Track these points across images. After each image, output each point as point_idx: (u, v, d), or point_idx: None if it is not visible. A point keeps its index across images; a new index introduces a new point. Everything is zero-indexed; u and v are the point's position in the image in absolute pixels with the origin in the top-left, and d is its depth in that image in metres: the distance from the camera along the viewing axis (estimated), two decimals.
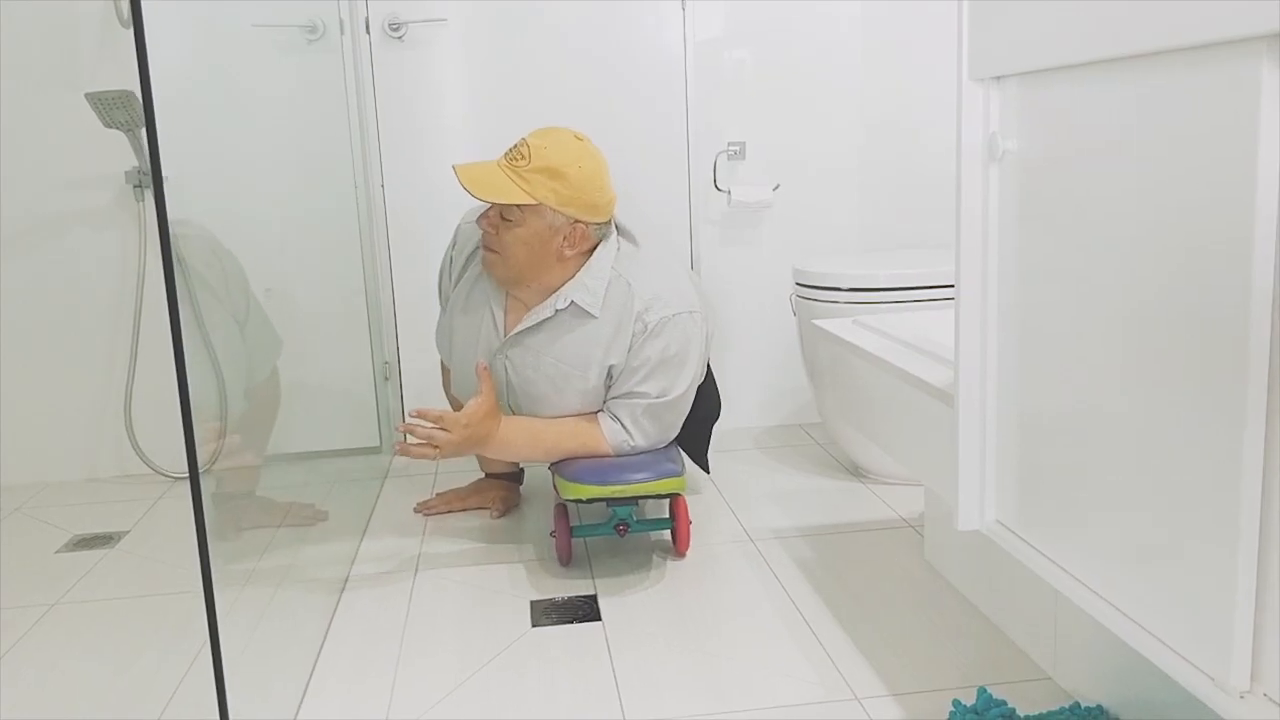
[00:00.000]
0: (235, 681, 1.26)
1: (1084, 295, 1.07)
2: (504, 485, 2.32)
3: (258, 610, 1.65)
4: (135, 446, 2.56)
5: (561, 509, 1.97)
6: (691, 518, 2.05)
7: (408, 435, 1.82)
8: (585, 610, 1.77)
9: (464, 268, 2.03)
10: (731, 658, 1.60)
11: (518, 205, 1.82)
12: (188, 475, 1.18)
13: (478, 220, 1.91)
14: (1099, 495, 1.08)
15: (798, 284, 2.37)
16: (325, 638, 1.72)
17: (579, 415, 1.93)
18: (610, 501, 1.88)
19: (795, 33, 2.66)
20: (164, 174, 1.12)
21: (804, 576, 1.87)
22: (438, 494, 2.35)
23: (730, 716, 1.43)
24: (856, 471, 2.42)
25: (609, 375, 1.90)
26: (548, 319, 1.90)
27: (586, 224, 1.86)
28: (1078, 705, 1.38)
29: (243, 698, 1.29)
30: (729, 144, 2.69)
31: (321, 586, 1.88)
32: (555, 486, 1.95)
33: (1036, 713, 1.37)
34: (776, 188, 2.68)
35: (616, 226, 1.96)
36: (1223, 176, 0.85)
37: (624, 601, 1.79)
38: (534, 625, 1.73)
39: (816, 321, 2.03)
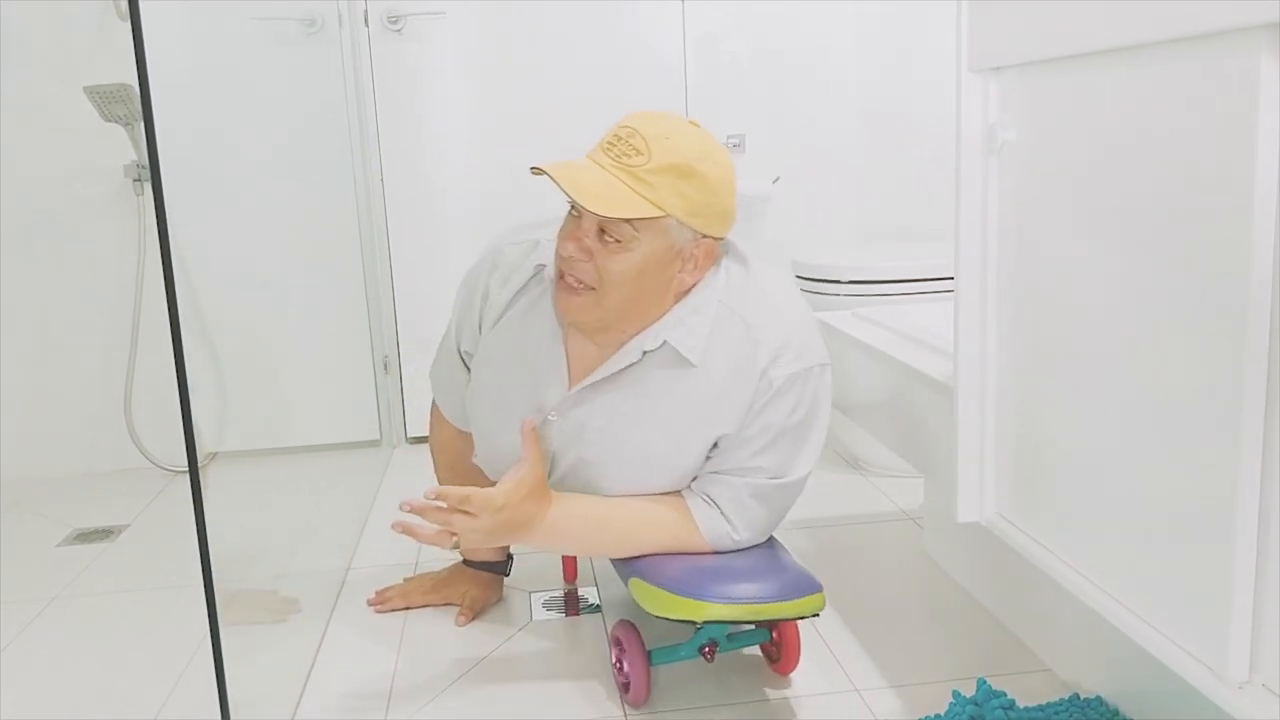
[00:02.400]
0: (235, 674, 1.26)
1: (1083, 286, 1.07)
2: (480, 581, 1.78)
3: (258, 603, 1.66)
4: (135, 440, 2.56)
5: (631, 630, 1.48)
6: None
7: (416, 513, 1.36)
8: (585, 602, 1.77)
9: (509, 304, 1.51)
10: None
11: (629, 220, 1.32)
12: (187, 469, 1.18)
13: (562, 243, 1.37)
14: (1098, 487, 1.08)
15: (797, 276, 2.37)
16: (326, 629, 1.72)
17: (659, 497, 1.46)
18: (683, 622, 1.38)
19: (793, 25, 2.66)
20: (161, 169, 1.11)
21: None
22: (405, 579, 1.85)
23: (730, 708, 1.44)
24: (855, 464, 2.42)
25: (714, 447, 1.43)
26: (631, 366, 1.41)
27: (714, 240, 1.40)
28: (1077, 696, 1.38)
29: (243, 691, 1.29)
30: (728, 137, 2.69)
31: (322, 579, 1.89)
32: (634, 596, 1.44)
33: (1036, 704, 1.37)
34: (776, 180, 2.68)
35: None
36: (1222, 165, 0.85)
37: (623, 593, 1.79)
38: (534, 617, 1.73)
39: (816, 314, 2.03)
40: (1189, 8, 0.85)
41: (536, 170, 1.31)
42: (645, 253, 1.34)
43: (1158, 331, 0.95)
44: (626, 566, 1.45)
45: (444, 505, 1.34)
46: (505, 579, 1.81)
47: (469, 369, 1.59)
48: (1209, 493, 0.90)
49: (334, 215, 2.58)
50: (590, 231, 1.34)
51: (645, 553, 1.43)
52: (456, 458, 1.71)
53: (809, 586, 1.38)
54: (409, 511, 1.33)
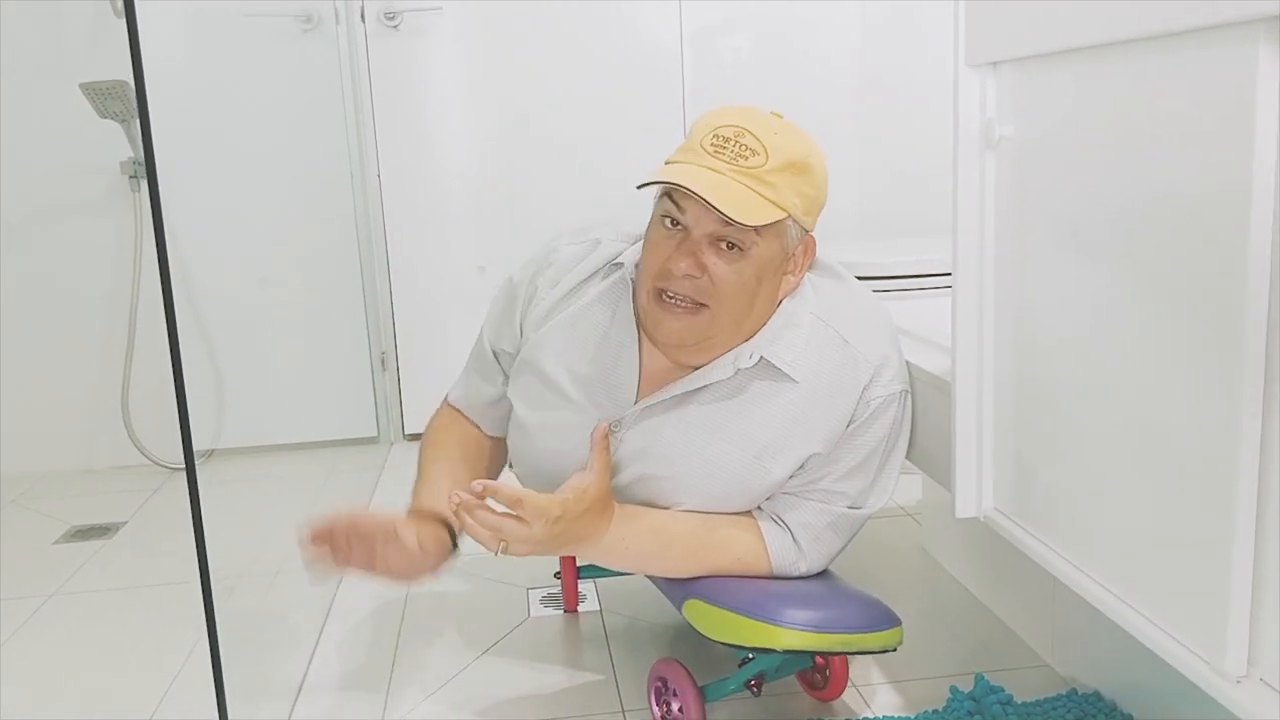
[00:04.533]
0: (232, 670, 1.26)
1: (1080, 282, 1.07)
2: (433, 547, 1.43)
3: (255, 600, 1.66)
4: (132, 437, 2.56)
5: (677, 667, 1.36)
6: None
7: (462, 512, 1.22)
8: (582, 597, 1.77)
9: (562, 301, 1.39)
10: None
11: (754, 226, 1.21)
12: (184, 466, 1.18)
13: (672, 262, 1.23)
14: (1096, 481, 1.07)
15: None
16: (323, 625, 1.72)
17: (726, 515, 1.35)
18: (755, 650, 1.28)
19: (792, 20, 2.66)
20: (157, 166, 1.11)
21: None
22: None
23: (728, 703, 1.43)
24: None
25: (800, 467, 1.33)
26: (720, 382, 1.31)
27: (811, 236, 1.32)
28: (1074, 692, 1.38)
29: (240, 687, 1.29)
30: None
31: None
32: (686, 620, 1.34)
33: (1034, 699, 1.37)
34: None
35: None
36: (1219, 160, 0.85)
37: (621, 588, 1.79)
38: (531, 613, 1.73)
39: None
40: (1187, 1, 0.85)
41: (670, 186, 1.21)
42: (763, 258, 1.24)
43: (1156, 325, 0.95)
44: (680, 588, 1.35)
45: (496, 508, 1.21)
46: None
47: (503, 370, 1.47)
48: (1207, 487, 0.89)
49: (331, 211, 2.58)
50: (703, 243, 1.23)
51: (705, 575, 1.33)
52: (449, 451, 1.49)
53: (891, 618, 1.30)
54: (456, 505, 1.20)
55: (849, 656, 1.41)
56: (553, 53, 2.61)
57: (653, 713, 1.39)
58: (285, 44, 2.41)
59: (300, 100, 2.44)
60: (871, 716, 1.37)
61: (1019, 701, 1.36)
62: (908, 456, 1.55)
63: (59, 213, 2.53)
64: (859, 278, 2.19)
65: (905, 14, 2.67)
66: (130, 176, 2.50)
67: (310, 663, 1.60)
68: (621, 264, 1.36)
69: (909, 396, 1.36)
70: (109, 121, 2.39)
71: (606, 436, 1.29)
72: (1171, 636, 0.96)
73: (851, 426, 1.30)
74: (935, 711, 1.36)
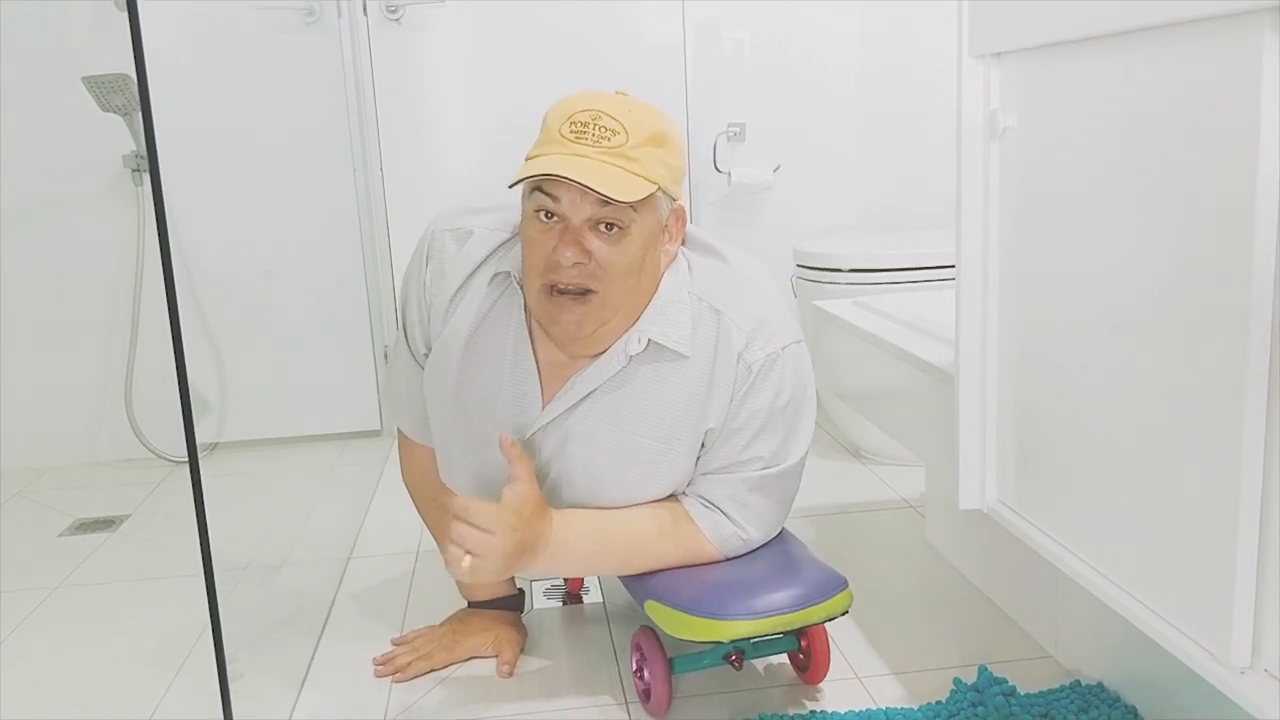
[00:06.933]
0: (236, 664, 1.26)
1: (1085, 272, 1.07)
2: (504, 619, 1.59)
3: (259, 593, 1.66)
4: (136, 430, 2.56)
5: (652, 637, 1.40)
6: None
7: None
8: (586, 590, 1.77)
9: (453, 299, 1.39)
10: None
11: (631, 202, 1.22)
12: (187, 459, 1.18)
13: (558, 252, 1.24)
14: (1099, 473, 1.07)
15: (798, 265, 2.37)
16: (327, 618, 1.72)
17: (658, 505, 1.38)
18: (709, 643, 1.33)
19: (795, 12, 2.65)
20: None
21: None
22: (411, 635, 1.60)
23: (731, 693, 1.44)
24: (857, 453, 2.42)
25: (703, 444, 1.37)
26: (617, 374, 1.33)
27: (680, 205, 1.34)
28: (1078, 683, 1.38)
29: (244, 678, 1.29)
30: (729, 125, 2.68)
31: (323, 568, 1.89)
32: (650, 618, 1.37)
33: (1037, 691, 1.37)
34: (777, 169, 2.67)
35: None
36: (1225, 150, 0.84)
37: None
38: (534, 605, 1.73)
39: (817, 302, 2.03)
40: None
41: (540, 178, 1.22)
42: (642, 232, 1.26)
43: (1160, 316, 0.95)
44: (640, 587, 1.37)
45: (476, 530, 1.24)
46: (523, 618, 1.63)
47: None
48: (1212, 477, 0.89)
49: (333, 204, 2.58)
50: (584, 230, 1.24)
51: (655, 568, 1.36)
52: (439, 487, 1.51)
53: (834, 585, 1.32)
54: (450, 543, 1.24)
55: (830, 641, 1.43)
56: (555, 45, 2.61)
57: (633, 677, 1.44)
58: (287, 37, 2.41)
59: (302, 93, 2.44)
60: (875, 708, 1.37)
61: (1022, 693, 1.36)
62: (912, 449, 1.55)
63: (62, 206, 2.53)
64: (862, 270, 2.23)
65: (910, 5, 2.67)
66: (133, 170, 2.50)
67: (314, 655, 1.60)
68: (508, 273, 1.36)
69: (801, 346, 1.37)
70: (111, 115, 2.39)
71: (515, 445, 1.30)
72: (1175, 628, 0.96)
73: (737, 394, 1.32)
74: (938, 703, 1.36)
